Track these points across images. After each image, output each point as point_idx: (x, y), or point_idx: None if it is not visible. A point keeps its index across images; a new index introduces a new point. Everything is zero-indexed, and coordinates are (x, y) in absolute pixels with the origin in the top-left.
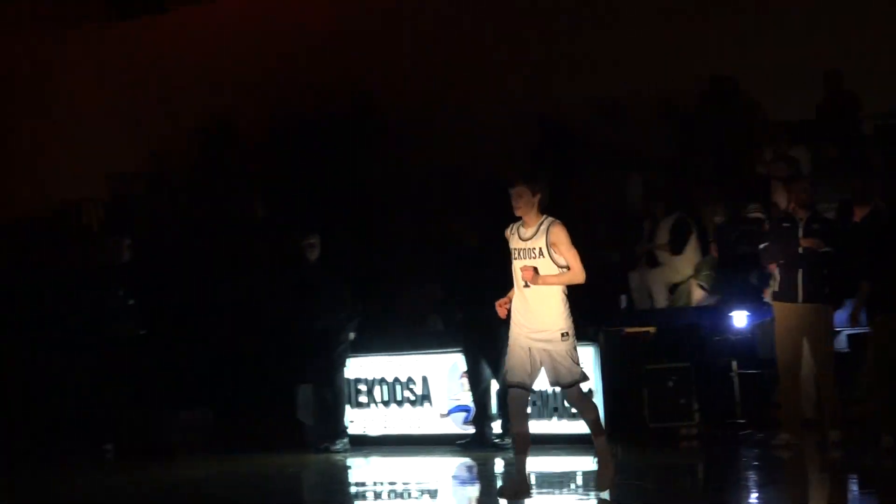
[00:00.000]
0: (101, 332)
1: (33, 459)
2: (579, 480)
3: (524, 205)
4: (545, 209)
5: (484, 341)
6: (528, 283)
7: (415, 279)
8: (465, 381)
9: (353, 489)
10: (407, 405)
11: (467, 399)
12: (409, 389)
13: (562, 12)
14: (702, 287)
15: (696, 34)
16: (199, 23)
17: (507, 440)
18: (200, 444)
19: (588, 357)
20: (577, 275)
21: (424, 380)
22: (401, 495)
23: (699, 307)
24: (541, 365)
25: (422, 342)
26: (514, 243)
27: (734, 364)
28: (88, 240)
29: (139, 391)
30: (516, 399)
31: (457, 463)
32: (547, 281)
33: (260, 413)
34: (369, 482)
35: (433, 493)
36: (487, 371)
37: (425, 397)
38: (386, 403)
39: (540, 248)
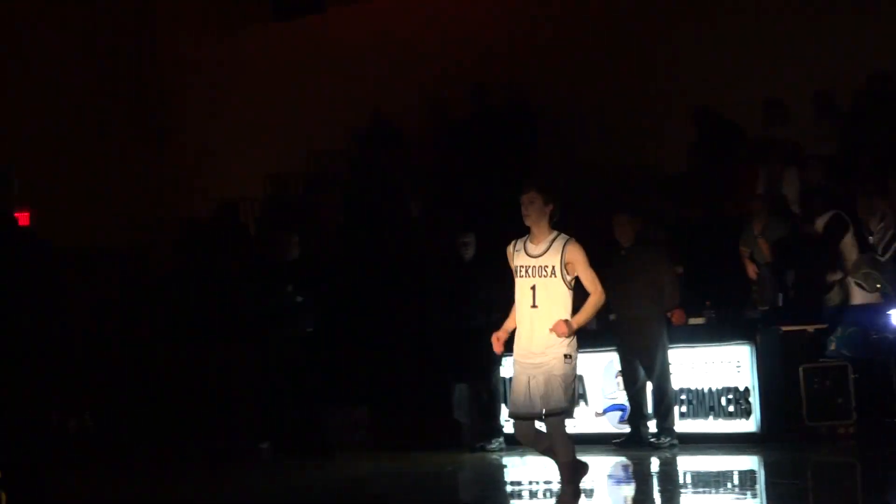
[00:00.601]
0: (270, 330)
1: (194, 458)
2: (736, 480)
3: (535, 213)
4: (556, 225)
5: (635, 341)
6: (537, 305)
7: None
8: (621, 379)
9: (508, 488)
10: None
11: (623, 398)
12: None
13: (723, 12)
14: (859, 285)
15: (857, 29)
16: (358, 22)
17: (664, 439)
18: (358, 443)
19: (745, 356)
20: (600, 298)
21: (580, 379)
22: (556, 494)
23: (857, 305)
24: (536, 385)
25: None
26: (520, 260)
27: (893, 362)
28: (246, 239)
29: (302, 389)
30: (522, 430)
31: (612, 462)
32: (579, 322)
33: (417, 412)
34: (525, 481)
35: (589, 493)
36: (642, 370)
37: (581, 396)
38: None
39: (553, 267)
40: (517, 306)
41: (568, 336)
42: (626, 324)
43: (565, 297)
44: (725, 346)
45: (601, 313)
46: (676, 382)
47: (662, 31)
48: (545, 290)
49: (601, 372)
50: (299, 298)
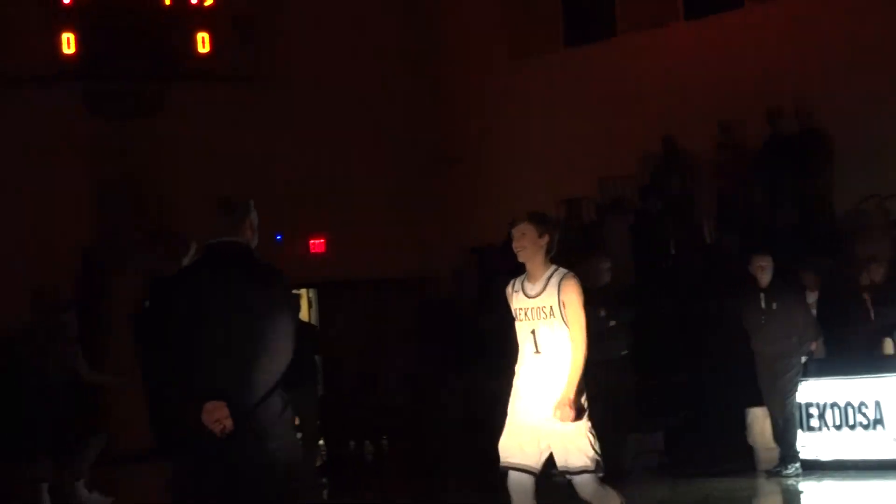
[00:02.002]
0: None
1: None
2: None
3: (529, 245)
4: (554, 259)
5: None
6: (539, 351)
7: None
8: None
9: None
10: (859, 429)
11: None
12: (862, 413)
13: None
14: None
15: None
16: (648, 48)
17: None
18: (653, 468)
19: None
20: (581, 357)
21: (877, 404)
22: None
23: None
24: (548, 446)
25: (877, 365)
26: (518, 302)
27: None
28: None
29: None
30: (517, 486)
31: None
32: (572, 394)
33: (711, 436)
34: None
35: None
36: None
37: (878, 422)
38: (838, 427)
39: (551, 307)
40: (519, 353)
41: (576, 418)
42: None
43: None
44: None
45: None
46: None
47: None
48: (547, 334)
49: None
50: (612, 323)
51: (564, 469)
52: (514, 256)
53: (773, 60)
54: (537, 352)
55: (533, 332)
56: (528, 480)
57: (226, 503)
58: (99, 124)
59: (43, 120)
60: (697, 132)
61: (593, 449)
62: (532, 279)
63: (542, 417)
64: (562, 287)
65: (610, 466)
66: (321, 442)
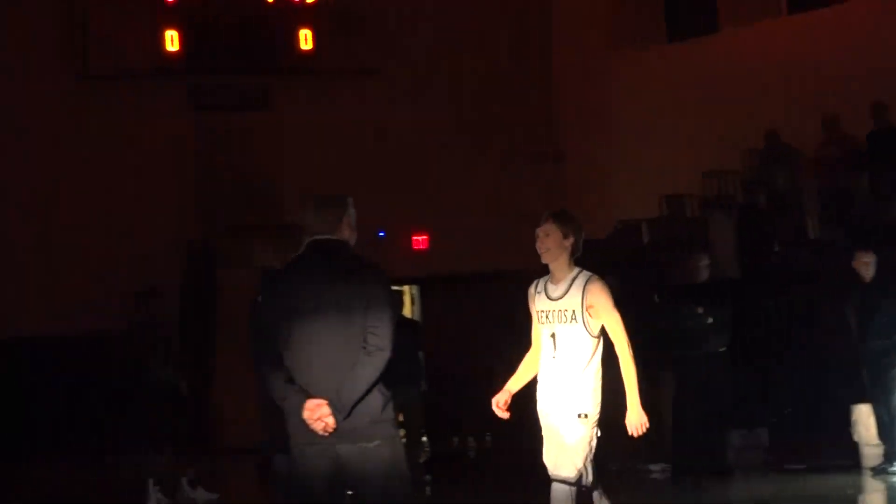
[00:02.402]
0: (683, 352)
1: None
2: None
3: (553, 247)
4: (578, 261)
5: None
6: (556, 355)
7: None
8: None
9: None
10: None
11: None
12: None
13: None
14: None
15: None
16: (752, 42)
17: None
18: (757, 464)
19: None
20: (630, 352)
21: None
22: None
23: None
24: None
25: None
26: (541, 304)
27: None
28: (642, 260)
29: (710, 411)
30: (558, 497)
31: None
32: (637, 399)
33: (816, 433)
34: None
35: None
36: None
37: None
38: None
39: (573, 312)
40: (541, 357)
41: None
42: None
43: (589, 347)
44: None
45: None
46: None
47: None
48: (566, 339)
49: None
50: (710, 320)
51: (552, 472)
52: (618, 251)
53: (877, 54)
54: (555, 356)
55: (553, 335)
56: (566, 492)
57: (328, 500)
58: (203, 120)
59: (148, 116)
60: (802, 126)
61: (584, 462)
62: (555, 281)
63: (554, 420)
64: (587, 290)
65: (711, 463)
66: (424, 438)
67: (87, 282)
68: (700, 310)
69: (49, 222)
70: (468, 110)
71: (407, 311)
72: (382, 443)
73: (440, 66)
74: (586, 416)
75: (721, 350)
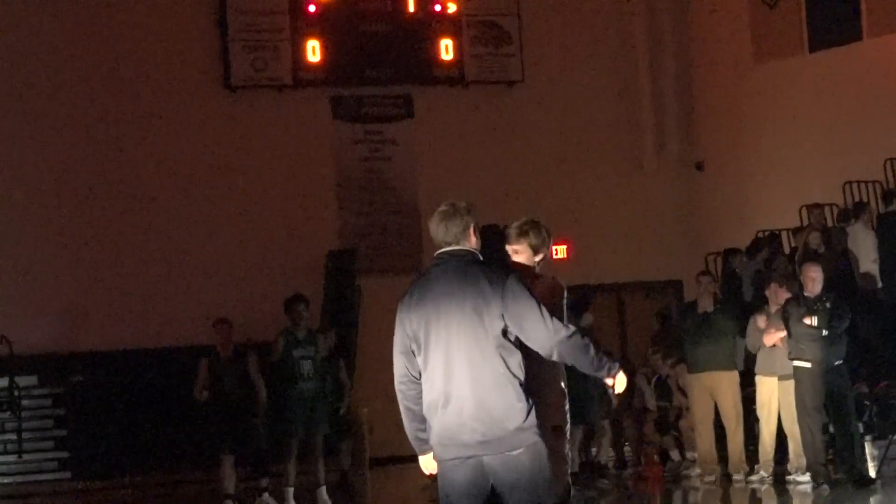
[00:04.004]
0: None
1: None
2: None
3: (525, 263)
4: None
5: None
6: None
7: None
8: None
9: None
10: None
11: None
12: None
13: None
14: None
15: None
16: (895, 51)
17: None
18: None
19: None
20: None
21: None
22: None
23: None
24: None
25: None
26: None
27: None
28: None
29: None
30: None
31: None
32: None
33: None
34: None
35: None
36: None
37: None
38: None
39: None
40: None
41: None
42: None
43: None
44: None
45: None
46: None
47: None
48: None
49: None
50: (824, 332)
51: None
52: (759, 261)
53: None
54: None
55: None
56: None
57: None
58: (344, 129)
59: (290, 126)
60: None
61: (559, 474)
62: None
63: None
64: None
65: (854, 471)
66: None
67: (230, 290)
68: (813, 322)
69: (191, 231)
70: (608, 120)
71: None
72: (525, 450)
73: (580, 77)
74: (560, 428)
75: (837, 363)
